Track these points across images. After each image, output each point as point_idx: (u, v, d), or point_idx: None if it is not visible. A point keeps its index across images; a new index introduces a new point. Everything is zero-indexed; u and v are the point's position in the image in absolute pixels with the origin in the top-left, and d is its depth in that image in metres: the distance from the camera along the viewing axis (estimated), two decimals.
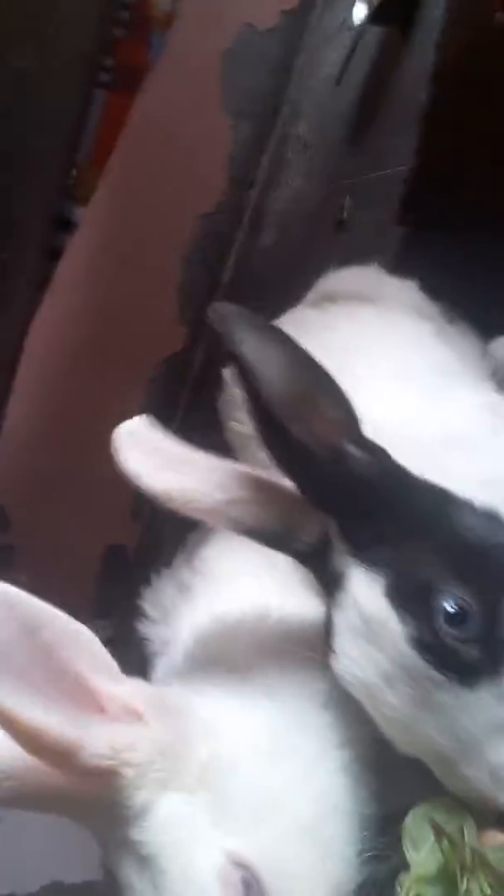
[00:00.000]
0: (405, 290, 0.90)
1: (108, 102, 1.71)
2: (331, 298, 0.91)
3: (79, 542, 1.49)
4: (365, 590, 0.40)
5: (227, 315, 0.43)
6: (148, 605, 0.70)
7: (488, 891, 0.37)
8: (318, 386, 0.44)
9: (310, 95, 1.76)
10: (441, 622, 0.38)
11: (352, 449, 0.43)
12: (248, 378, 0.42)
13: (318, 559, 0.44)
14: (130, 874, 0.41)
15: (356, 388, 0.58)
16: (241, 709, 0.48)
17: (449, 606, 0.38)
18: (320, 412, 0.43)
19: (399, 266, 1.14)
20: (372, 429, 0.49)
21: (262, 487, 0.45)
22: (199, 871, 0.39)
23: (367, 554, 0.41)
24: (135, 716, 0.42)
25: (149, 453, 0.47)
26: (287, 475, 0.44)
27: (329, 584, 0.43)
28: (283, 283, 1.50)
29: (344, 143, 1.63)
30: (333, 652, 0.41)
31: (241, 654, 0.55)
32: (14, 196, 0.90)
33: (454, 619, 0.38)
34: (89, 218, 1.59)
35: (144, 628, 0.69)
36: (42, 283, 1.41)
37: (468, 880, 0.37)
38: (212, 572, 0.67)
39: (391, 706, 0.39)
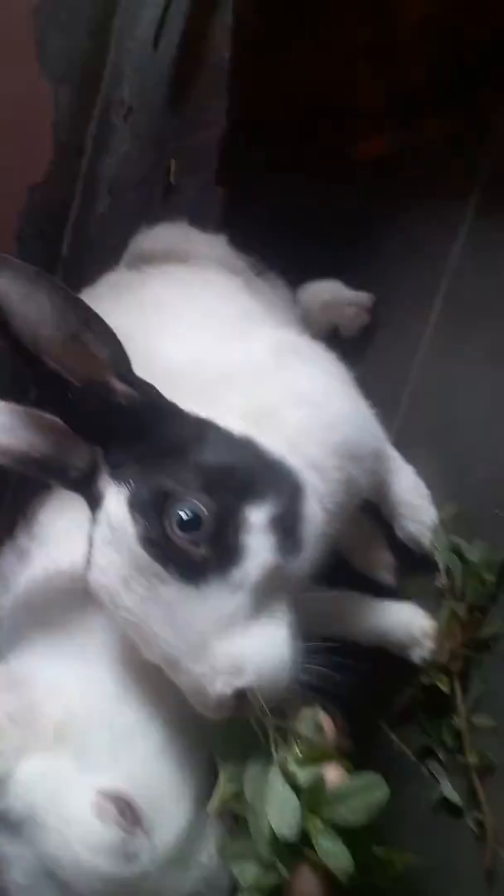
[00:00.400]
0: (215, 246, 0.92)
1: None
2: (144, 258, 0.92)
3: None
4: (113, 502, 0.43)
5: None
6: None
7: (300, 755, 0.40)
8: (87, 327, 0.45)
9: (129, 58, 1.73)
10: (173, 525, 0.41)
11: (117, 383, 0.45)
12: (8, 321, 0.43)
13: (88, 485, 0.46)
14: (4, 847, 0.42)
15: (157, 335, 0.61)
16: (83, 664, 0.50)
17: (183, 513, 0.41)
18: (88, 350, 0.45)
19: (221, 224, 1.17)
20: (162, 367, 0.51)
21: (30, 415, 0.47)
22: (76, 812, 0.41)
23: (120, 472, 0.44)
24: None
25: None
26: (52, 409, 0.45)
27: (93, 506, 0.46)
28: (120, 249, 1.49)
29: (166, 106, 1.62)
30: (89, 566, 0.44)
31: (69, 609, 0.56)
32: None
33: (186, 524, 0.41)
34: None
35: None
36: None
37: (281, 751, 0.40)
38: (45, 534, 0.68)
39: (127, 608, 0.41)
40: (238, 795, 0.42)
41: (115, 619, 0.44)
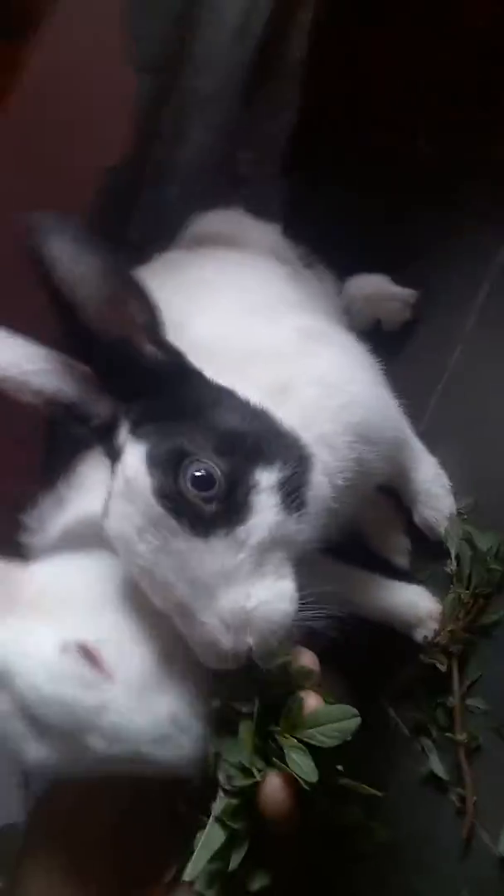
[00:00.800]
0: (267, 234, 0.96)
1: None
2: (198, 240, 0.97)
3: None
4: (131, 456, 0.47)
5: (41, 223, 0.48)
6: (29, 518, 0.76)
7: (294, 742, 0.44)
8: (128, 292, 0.50)
9: (210, 48, 1.78)
10: (187, 482, 0.45)
11: (147, 345, 0.50)
12: (54, 274, 0.47)
13: (108, 437, 0.50)
14: None
15: (194, 310, 0.66)
16: (70, 558, 0.55)
17: (197, 472, 0.45)
18: (126, 313, 0.50)
19: (279, 214, 1.21)
20: (194, 340, 0.56)
21: (63, 363, 0.51)
22: (43, 654, 0.45)
23: (140, 429, 0.48)
24: None
25: None
26: (87, 362, 0.50)
27: (112, 458, 0.50)
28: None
29: (242, 97, 1.66)
30: (106, 516, 0.48)
31: (92, 552, 0.61)
32: None
33: (199, 482, 0.45)
34: None
35: (25, 539, 0.75)
36: None
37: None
38: (82, 483, 0.73)
39: (141, 555, 0.45)
40: (229, 700, 0.45)
41: (128, 567, 0.47)
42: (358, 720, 0.43)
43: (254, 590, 0.46)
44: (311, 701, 0.43)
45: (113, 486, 0.48)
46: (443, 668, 0.74)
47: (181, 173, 1.82)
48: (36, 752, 0.44)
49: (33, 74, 1.65)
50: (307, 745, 0.43)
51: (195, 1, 1.75)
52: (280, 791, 0.41)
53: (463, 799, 0.71)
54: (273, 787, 0.41)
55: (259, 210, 1.13)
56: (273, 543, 0.48)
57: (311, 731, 0.43)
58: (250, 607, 0.46)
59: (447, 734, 0.74)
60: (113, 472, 0.50)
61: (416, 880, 0.68)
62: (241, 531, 0.46)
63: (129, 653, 0.47)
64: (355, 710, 0.44)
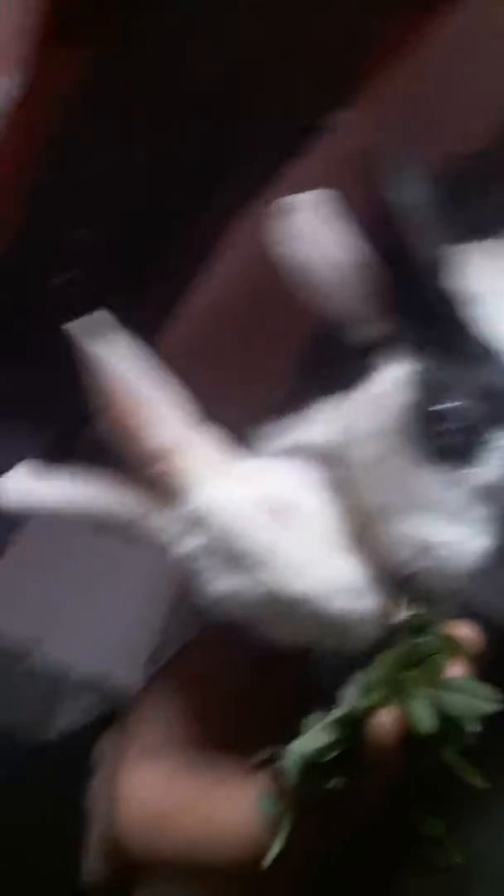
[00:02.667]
0: None
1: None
2: None
3: None
4: (396, 372, 0.46)
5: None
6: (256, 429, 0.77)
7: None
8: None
9: None
10: (442, 408, 0.44)
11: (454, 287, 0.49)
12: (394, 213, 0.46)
13: (371, 354, 0.48)
14: (193, 541, 0.48)
15: None
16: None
17: (454, 403, 0.44)
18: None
19: None
20: None
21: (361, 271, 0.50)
22: (244, 499, 0.47)
23: (414, 354, 0.47)
24: None
25: None
26: (389, 275, 0.48)
27: (359, 378, 0.49)
28: None
29: None
30: (343, 419, 0.48)
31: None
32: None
33: (452, 413, 0.44)
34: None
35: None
36: None
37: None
38: (313, 416, 0.74)
39: (366, 457, 0.45)
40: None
41: (348, 466, 0.47)
42: (496, 707, 0.40)
43: (447, 529, 0.45)
44: (457, 667, 0.41)
45: (359, 394, 0.48)
46: None
47: None
48: (223, 584, 0.46)
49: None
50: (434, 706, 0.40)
51: None
52: (391, 725, 0.39)
53: None
54: (385, 719, 0.39)
55: None
56: (486, 497, 0.47)
57: (442, 692, 0.41)
58: (434, 541, 0.45)
59: None
60: (355, 385, 0.49)
61: None
62: (464, 472, 0.45)
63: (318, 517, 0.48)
64: (497, 696, 0.41)
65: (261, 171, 0.92)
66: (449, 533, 0.44)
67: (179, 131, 0.72)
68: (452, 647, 0.42)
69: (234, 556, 0.46)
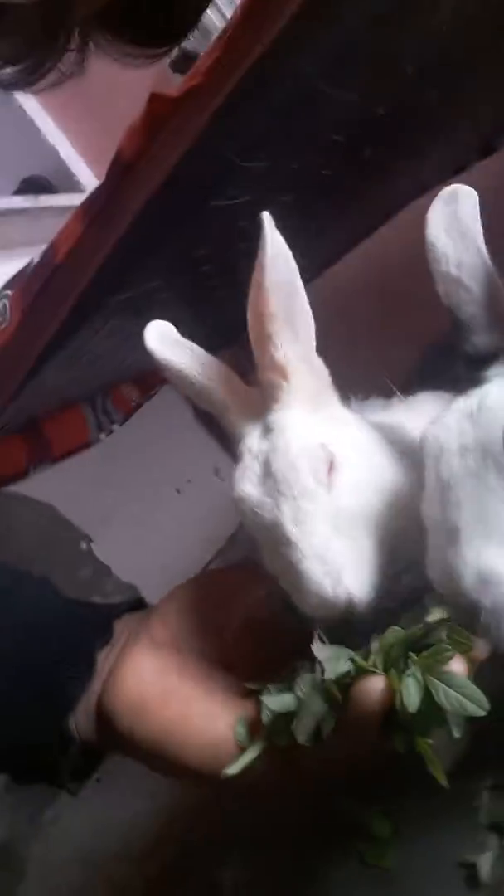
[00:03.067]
0: None
1: None
2: None
3: None
4: (496, 392, 0.44)
5: None
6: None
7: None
8: None
9: None
10: None
11: None
12: None
13: (477, 366, 0.47)
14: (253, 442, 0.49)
15: None
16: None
17: None
18: None
19: None
20: None
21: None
22: (306, 436, 0.48)
23: None
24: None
25: None
26: None
27: (469, 385, 0.47)
28: None
29: None
30: (433, 424, 0.46)
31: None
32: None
33: None
34: None
35: None
36: None
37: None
38: (414, 405, 0.72)
39: (450, 468, 0.40)
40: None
41: (427, 473, 0.46)
42: (482, 713, 0.40)
43: None
44: (458, 664, 0.41)
45: (460, 403, 0.46)
46: None
47: None
48: (250, 491, 0.48)
49: None
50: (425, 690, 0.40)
51: None
52: (377, 692, 0.39)
53: None
54: (375, 684, 0.39)
55: None
56: None
57: (437, 681, 0.41)
58: (496, 580, 0.42)
59: None
60: (465, 394, 0.47)
61: None
62: None
63: (363, 488, 0.48)
64: (487, 705, 0.40)
65: (439, 167, 0.90)
66: None
67: (375, 99, 0.71)
68: (462, 645, 0.42)
69: (269, 474, 0.47)
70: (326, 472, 0.47)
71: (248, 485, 0.48)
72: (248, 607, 0.48)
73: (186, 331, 0.55)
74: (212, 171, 0.58)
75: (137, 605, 0.54)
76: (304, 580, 0.44)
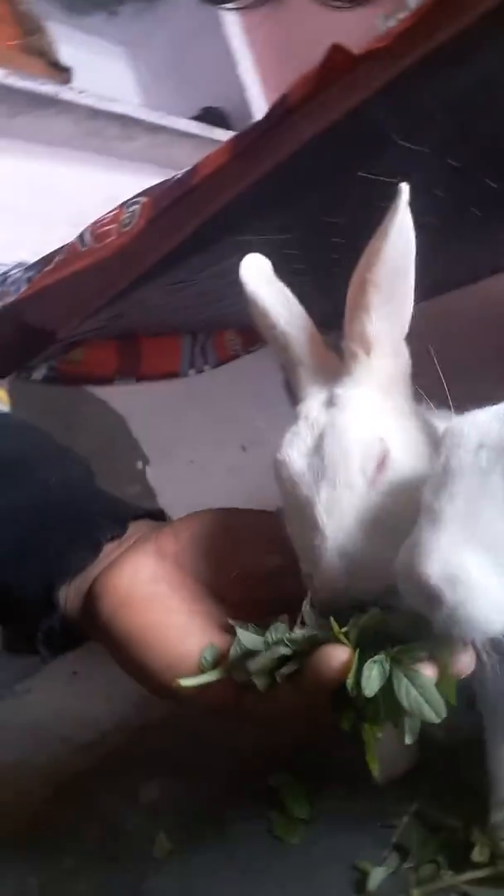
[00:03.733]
0: None
1: None
2: None
3: None
4: None
5: None
6: None
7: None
8: None
9: None
10: None
11: None
12: None
13: None
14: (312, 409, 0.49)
15: None
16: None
17: None
18: None
19: None
20: None
21: None
22: (361, 432, 0.47)
23: None
24: None
25: None
26: None
27: None
28: None
29: None
30: (463, 417, 0.45)
31: None
32: None
33: None
34: None
35: None
36: None
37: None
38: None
39: (461, 460, 0.39)
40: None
41: (439, 460, 0.44)
42: (437, 719, 0.40)
43: (492, 579, 0.40)
44: (430, 668, 0.40)
45: (501, 406, 0.45)
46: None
47: None
48: (291, 451, 0.48)
49: None
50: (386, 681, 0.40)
51: None
52: (337, 661, 0.39)
53: None
54: (338, 653, 0.40)
55: None
56: None
57: (403, 675, 0.41)
58: (463, 578, 0.40)
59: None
60: None
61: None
62: None
63: (404, 490, 0.48)
64: (444, 714, 0.40)
65: None
66: (492, 583, 0.40)
67: None
68: (442, 651, 0.41)
69: (319, 450, 0.46)
70: (376, 468, 0.47)
71: (295, 452, 0.48)
72: (259, 555, 0.49)
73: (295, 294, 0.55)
74: (368, 139, 0.58)
75: (158, 516, 0.56)
76: (320, 567, 0.45)
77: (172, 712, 0.77)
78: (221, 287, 0.94)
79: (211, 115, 1.90)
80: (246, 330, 1.77)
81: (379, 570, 0.44)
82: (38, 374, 1.65)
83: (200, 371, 2.10)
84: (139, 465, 1.56)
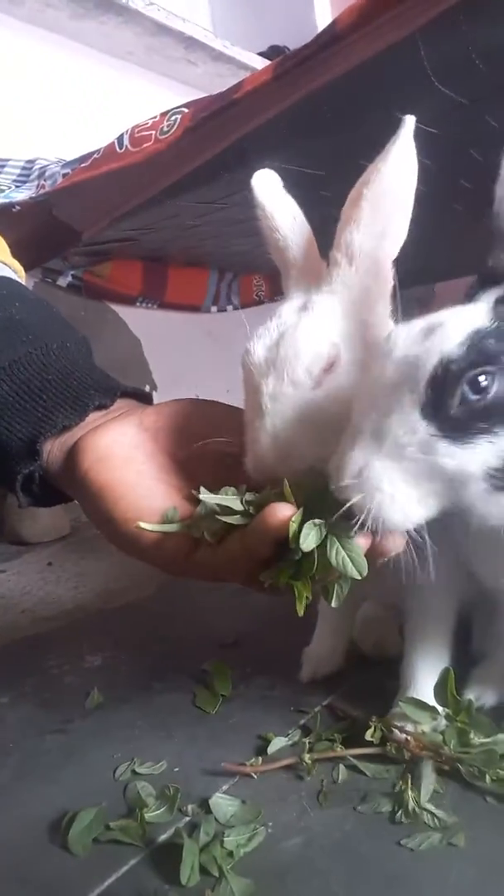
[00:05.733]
0: None
1: None
2: None
3: None
4: (471, 313, 0.45)
5: None
6: None
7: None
8: None
9: None
10: (475, 375, 0.41)
11: None
12: None
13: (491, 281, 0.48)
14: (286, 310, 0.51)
15: None
16: None
17: (487, 379, 0.41)
18: None
19: None
20: None
21: None
22: (316, 335, 0.50)
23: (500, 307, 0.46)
24: None
25: None
26: None
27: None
28: None
29: None
30: (401, 326, 0.48)
31: None
32: None
33: (478, 385, 0.41)
34: None
35: None
36: None
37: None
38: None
39: (388, 365, 0.45)
40: None
41: (373, 368, 0.47)
42: (358, 576, 0.43)
43: (399, 479, 0.43)
44: (363, 539, 0.44)
45: (432, 317, 0.46)
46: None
47: None
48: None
49: None
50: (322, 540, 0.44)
51: None
52: (282, 514, 0.44)
53: None
54: (283, 509, 0.44)
55: None
56: (450, 479, 0.45)
57: (335, 539, 0.44)
58: (382, 484, 0.43)
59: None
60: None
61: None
62: (447, 446, 0.44)
63: (342, 395, 0.49)
64: (365, 573, 0.43)
65: None
66: (397, 487, 0.43)
67: None
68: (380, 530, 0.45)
69: (277, 345, 0.49)
70: (322, 369, 0.49)
71: (259, 345, 0.51)
72: (228, 441, 0.52)
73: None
74: (407, 78, 0.59)
75: (144, 398, 0.59)
76: (255, 446, 0.48)
77: (130, 603, 0.82)
78: (251, 219, 0.96)
79: (276, 54, 1.86)
80: (272, 277, 1.76)
81: (305, 456, 0.48)
82: (64, 280, 1.68)
83: (223, 310, 2.11)
84: (147, 388, 1.58)
